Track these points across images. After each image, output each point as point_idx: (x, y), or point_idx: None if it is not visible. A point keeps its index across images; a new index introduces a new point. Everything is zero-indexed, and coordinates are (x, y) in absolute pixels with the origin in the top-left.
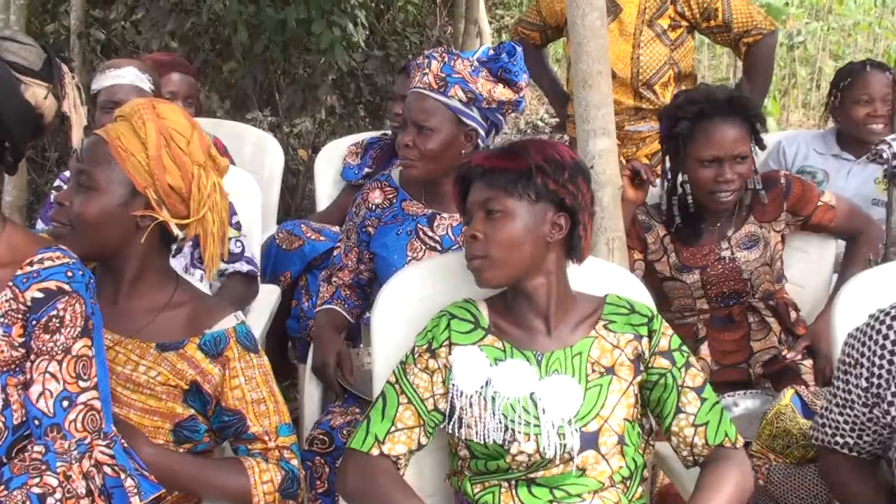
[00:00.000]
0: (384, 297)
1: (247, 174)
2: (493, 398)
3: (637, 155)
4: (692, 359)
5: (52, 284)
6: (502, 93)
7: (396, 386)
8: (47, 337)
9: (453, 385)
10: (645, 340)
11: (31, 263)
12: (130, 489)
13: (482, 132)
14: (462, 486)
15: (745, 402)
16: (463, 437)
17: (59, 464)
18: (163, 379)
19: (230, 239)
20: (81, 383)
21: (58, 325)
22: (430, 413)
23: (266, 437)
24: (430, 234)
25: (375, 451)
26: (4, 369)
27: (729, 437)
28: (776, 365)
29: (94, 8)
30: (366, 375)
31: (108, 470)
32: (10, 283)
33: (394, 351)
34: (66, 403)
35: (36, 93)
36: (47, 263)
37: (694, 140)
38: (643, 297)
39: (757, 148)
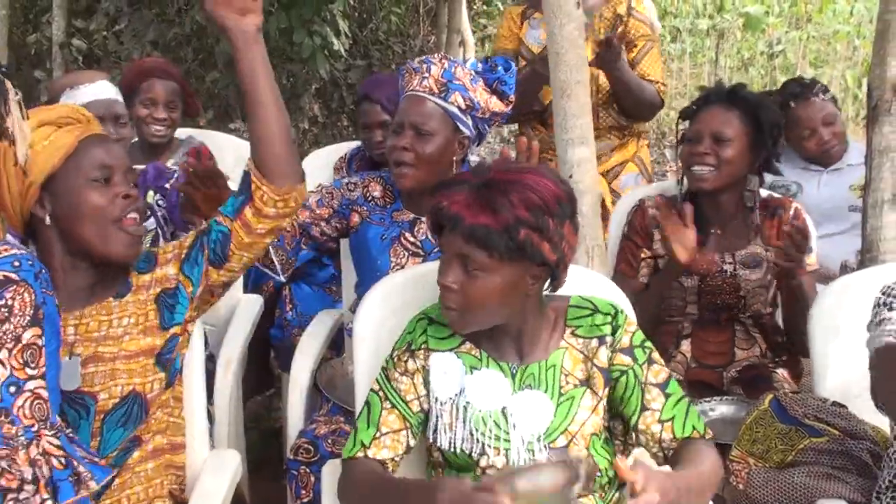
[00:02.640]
0: (367, 305)
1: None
2: (466, 408)
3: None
4: (655, 354)
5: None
6: (496, 104)
7: (380, 392)
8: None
9: (430, 389)
10: (609, 339)
11: None
12: (85, 476)
13: (472, 141)
14: None
15: (720, 408)
16: (438, 444)
17: (2, 448)
18: (135, 319)
19: None
20: (29, 370)
21: (6, 314)
22: (415, 414)
23: None
24: (412, 238)
25: (360, 455)
26: None
27: (697, 430)
28: (751, 371)
29: (76, 18)
30: (350, 385)
31: (55, 462)
32: None
33: (376, 359)
34: (13, 389)
35: None
36: None
37: (693, 121)
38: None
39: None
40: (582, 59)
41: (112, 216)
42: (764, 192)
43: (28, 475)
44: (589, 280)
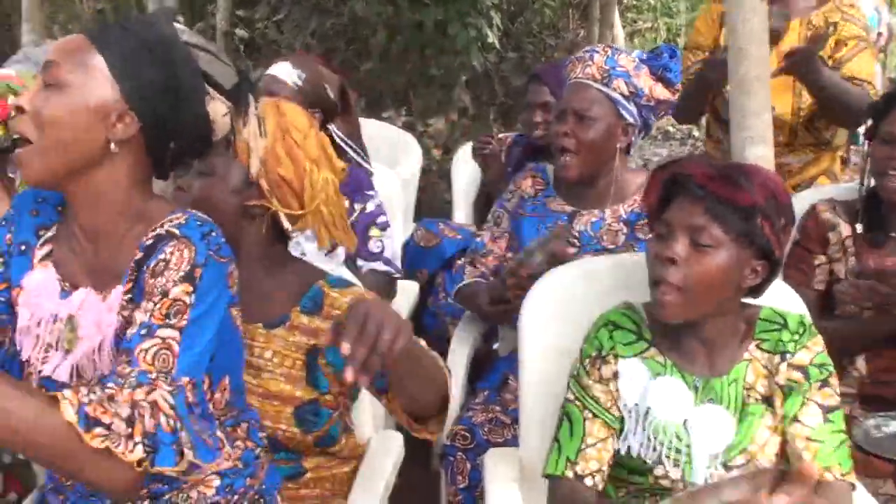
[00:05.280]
0: (534, 297)
1: (390, 172)
2: (647, 414)
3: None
4: (833, 380)
5: (163, 231)
6: (661, 92)
7: (577, 402)
8: (153, 281)
9: (620, 394)
10: (789, 355)
11: (161, 225)
12: (186, 443)
13: (636, 129)
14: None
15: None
16: (615, 445)
17: (110, 383)
18: (278, 360)
19: (370, 238)
20: (168, 321)
21: (163, 268)
22: (617, 419)
23: None
24: (570, 230)
25: (570, 473)
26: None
27: (842, 467)
28: None
29: (239, 8)
30: None
31: (163, 419)
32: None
33: (542, 351)
34: (143, 332)
35: (216, 108)
36: (168, 219)
37: (885, 117)
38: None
39: None
40: (764, 55)
41: None
42: None
43: (124, 413)
44: (779, 291)
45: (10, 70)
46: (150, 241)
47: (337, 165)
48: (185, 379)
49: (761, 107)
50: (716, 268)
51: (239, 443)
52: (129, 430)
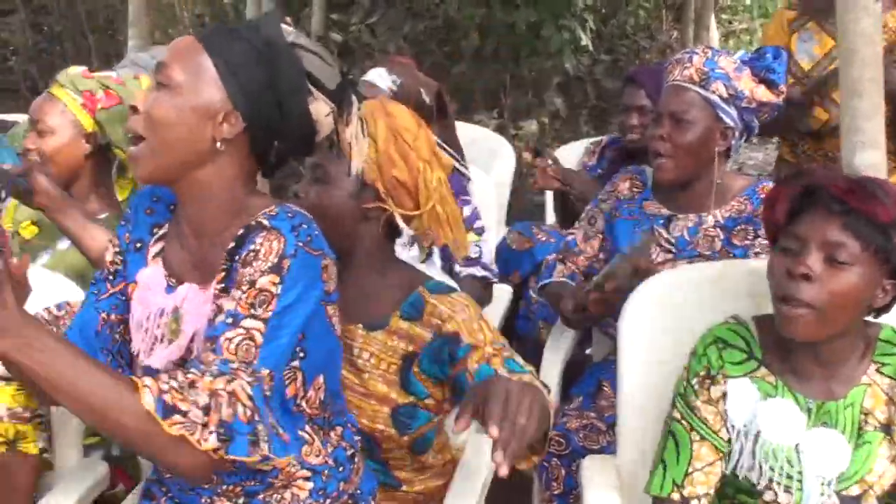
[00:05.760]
0: (633, 305)
1: (485, 176)
2: (756, 437)
3: None
4: None
5: (254, 222)
6: (763, 94)
7: (684, 422)
8: (242, 270)
9: (726, 413)
10: None
11: (253, 217)
12: (262, 435)
13: (737, 133)
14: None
15: None
16: (723, 466)
17: (193, 369)
18: (375, 361)
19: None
20: (254, 311)
21: (252, 258)
22: (726, 443)
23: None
24: (666, 235)
25: (676, 496)
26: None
27: None
28: None
29: (334, 12)
30: None
31: (240, 409)
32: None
33: (642, 358)
34: (230, 321)
35: (318, 108)
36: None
37: None
38: None
39: None
40: (877, 56)
41: None
42: None
43: (202, 402)
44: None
45: (112, 73)
46: (241, 232)
47: (445, 162)
48: (266, 371)
49: (873, 110)
50: (852, 286)
51: (333, 441)
52: (206, 418)
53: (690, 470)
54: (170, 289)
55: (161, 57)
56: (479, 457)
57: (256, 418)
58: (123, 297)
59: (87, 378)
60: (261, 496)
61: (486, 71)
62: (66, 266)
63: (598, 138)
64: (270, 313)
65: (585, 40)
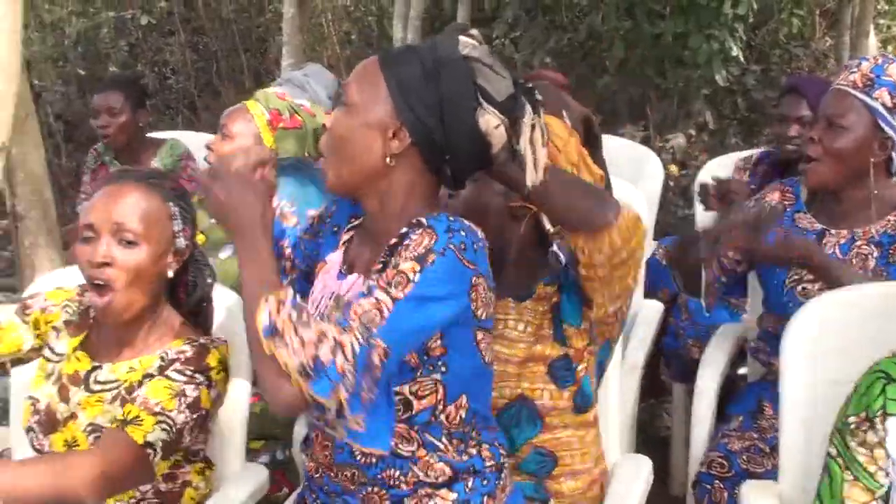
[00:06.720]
0: (796, 326)
1: (636, 190)
2: None
3: None
4: None
5: (415, 220)
6: None
7: (839, 459)
8: (392, 260)
9: (888, 457)
10: None
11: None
12: (348, 386)
13: None
14: None
15: None
16: None
17: (317, 319)
18: (531, 328)
19: None
20: (388, 289)
21: (403, 249)
22: (882, 486)
23: None
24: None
25: None
26: None
27: None
28: None
29: (476, 26)
30: None
31: (339, 359)
32: None
33: (806, 380)
34: (366, 290)
35: (488, 120)
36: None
37: None
38: None
39: None
40: None
41: None
42: None
43: (306, 337)
44: None
45: (303, 101)
46: (404, 230)
47: (595, 172)
48: (381, 342)
49: None
50: None
51: (470, 452)
52: (301, 349)
53: None
54: (341, 276)
55: (313, 74)
56: (631, 481)
57: (349, 374)
58: (306, 271)
59: None
60: (404, 502)
61: (631, 83)
62: (223, 274)
63: (749, 153)
64: (403, 295)
65: (735, 50)
